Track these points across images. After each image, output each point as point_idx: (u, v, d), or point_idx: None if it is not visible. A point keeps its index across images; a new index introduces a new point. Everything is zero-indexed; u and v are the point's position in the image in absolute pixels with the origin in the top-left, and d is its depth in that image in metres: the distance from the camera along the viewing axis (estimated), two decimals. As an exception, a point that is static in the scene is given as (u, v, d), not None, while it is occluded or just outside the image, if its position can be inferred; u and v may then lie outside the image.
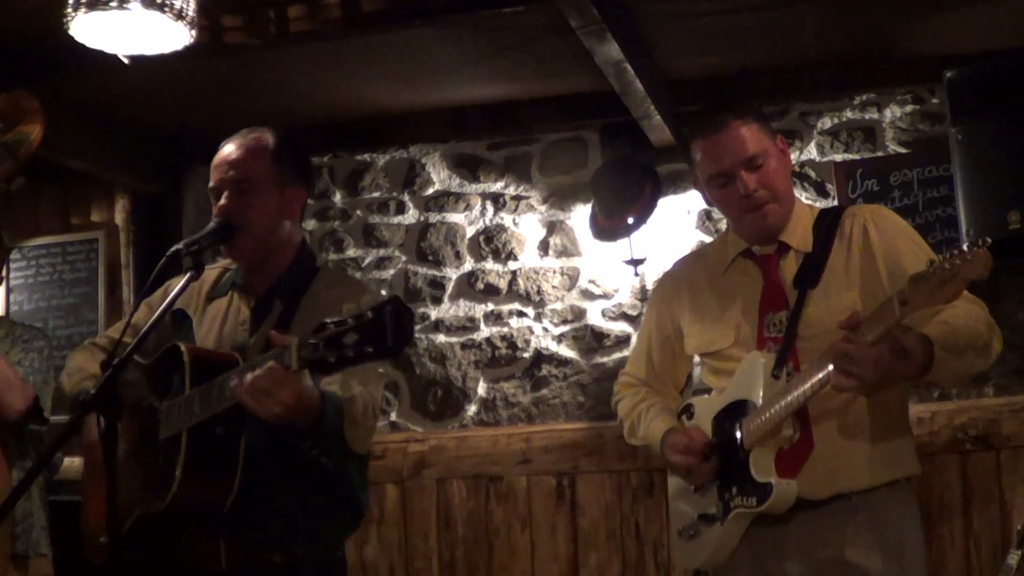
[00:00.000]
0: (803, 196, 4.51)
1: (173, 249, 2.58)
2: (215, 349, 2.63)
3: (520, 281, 4.86)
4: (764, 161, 2.67)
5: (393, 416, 4.92)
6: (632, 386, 2.98)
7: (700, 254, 3.07)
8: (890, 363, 2.39)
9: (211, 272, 2.81)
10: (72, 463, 4.50)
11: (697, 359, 2.93)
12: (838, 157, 4.56)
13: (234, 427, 2.43)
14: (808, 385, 2.51)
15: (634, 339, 4.63)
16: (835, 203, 4.44)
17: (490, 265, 4.91)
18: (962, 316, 2.51)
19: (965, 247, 2.24)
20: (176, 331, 2.75)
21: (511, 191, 4.92)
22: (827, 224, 2.73)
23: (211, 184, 2.69)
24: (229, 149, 2.69)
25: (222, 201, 2.64)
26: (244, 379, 2.23)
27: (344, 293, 2.57)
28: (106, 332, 2.93)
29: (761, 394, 2.61)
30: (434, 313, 4.92)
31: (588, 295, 4.78)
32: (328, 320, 2.09)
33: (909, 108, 4.52)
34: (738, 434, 2.64)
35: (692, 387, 3.41)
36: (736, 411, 2.67)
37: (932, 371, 2.43)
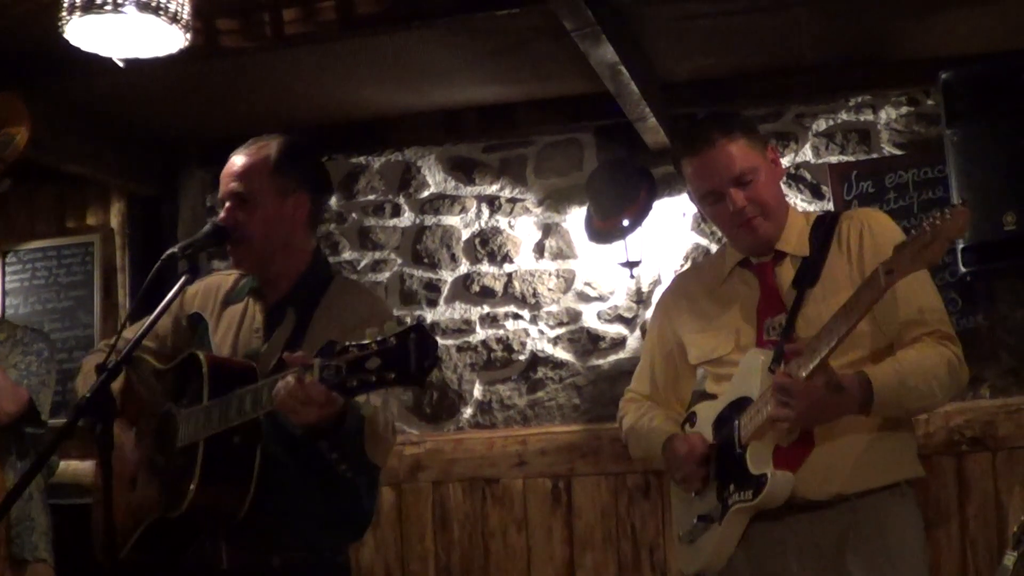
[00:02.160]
0: (798, 198, 4.52)
1: (168, 252, 2.62)
2: (231, 357, 2.67)
3: (515, 283, 4.85)
4: (753, 177, 2.71)
5: (389, 419, 4.91)
6: (635, 402, 3.01)
7: (698, 267, 3.15)
8: (824, 397, 2.47)
9: (228, 277, 2.86)
10: (68, 466, 4.50)
11: (701, 371, 2.94)
12: (833, 159, 4.55)
13: (251, 437, 2.46)
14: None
15: (630, 341, 4.64)
16: (830, 205, 4.45)
17: (486, 268, 4.90)
18: (914, 355, 2.58)
19: (945, 209, 2.29)
20: (192, 335, 2.78)
21: (506, 193, 4.92)
22: (824, 229, 2.77)
23: (219, 195, 2.76)
24: (233, 160, 2.74)
25: (222, 214, 2.70)
26: (281, 388, 2.25)
27: (361, 308, 2.65)
28: (123, 335, 2.97)
29: (759, 389, 2.62)
30: (430, 316, 4.91)
31: (584, 297, 4.77)
32: (350, 344, 2.11)
33: (904, 110, 4.51)
34: (736, 430, 2.66)
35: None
36: (736, 409, 2.69)
37: (875, 404, 2.51)
